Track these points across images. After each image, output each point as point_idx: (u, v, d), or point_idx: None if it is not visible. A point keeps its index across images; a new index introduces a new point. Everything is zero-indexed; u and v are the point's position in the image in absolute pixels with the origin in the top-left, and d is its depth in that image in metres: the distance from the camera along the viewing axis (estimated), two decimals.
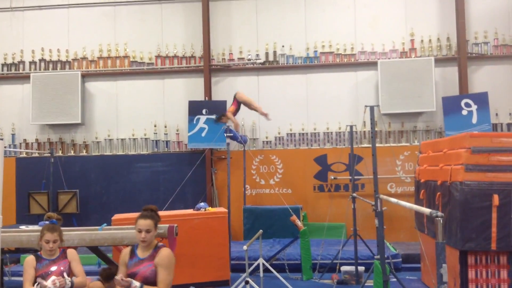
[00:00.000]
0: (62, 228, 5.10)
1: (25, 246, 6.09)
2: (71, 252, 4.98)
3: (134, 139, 11.28)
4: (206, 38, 11.04)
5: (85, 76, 11.45)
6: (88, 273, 5.30)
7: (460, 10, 10.53)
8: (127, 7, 11.54)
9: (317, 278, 7.83)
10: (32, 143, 11.49)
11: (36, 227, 6.59)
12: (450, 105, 10.30)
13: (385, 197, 5.87)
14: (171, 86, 11.36)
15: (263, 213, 10.00)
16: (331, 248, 8.53)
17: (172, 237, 5.65)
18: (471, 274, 5.50)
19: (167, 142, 11.23)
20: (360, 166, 9.81)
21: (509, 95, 10.53)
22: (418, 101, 10.42)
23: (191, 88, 11.29)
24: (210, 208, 7.89)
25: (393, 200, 5.58)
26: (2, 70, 11.66)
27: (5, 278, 7.75)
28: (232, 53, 11.22)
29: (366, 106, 6.52)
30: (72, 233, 5.80)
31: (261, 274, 6.76)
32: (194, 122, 10.77)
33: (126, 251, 4.44)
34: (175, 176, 10.72)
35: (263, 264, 6.93)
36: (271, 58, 11.17)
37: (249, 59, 11.17)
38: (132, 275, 4.23)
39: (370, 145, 6.34)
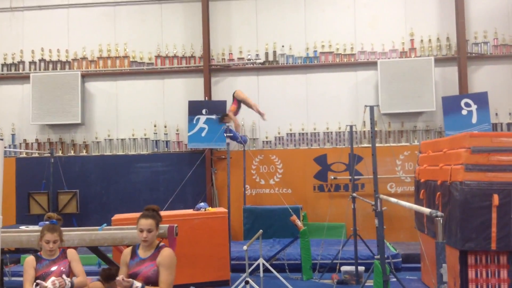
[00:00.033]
0: (62, 228, 5.09)
1: (25, 247, 6.08)
2: (71, 252, 4.98)
3: (134, 139, 11.28)
4: (206, 38, 11.04)
5: (85, 76, 11.45)
6: (88, 273, 5.30)
7: (460, 10, 10.53)
8: (127, 7, 11.54)
9: (317, 278, 7.83)
10: (32, 143, 11.49)
11: (36, 227, 6.59)
12: (450, 105, 10.30)
13: (385, 197, 5.87)
14: (171, 86, 11.36)
15: (263, 213, 10.00)
16: (331, 248, 8.54)
17: (172, 237, 5.65)
18: (471, 274, 5.50)
19: (167, 142, 11.23)
20: (360, 166, 9.81)
21: (509, 95, 10.54)
22: (418, 101, 10.42)
23: (191, 88, 11.29)
24: (210, 208, 7.89)
25: (393, 200, 5.58)
26: (2, 70, 11.66)
27: (5, 278, 7.75)
28: (232, 53, 11.22)
29: (366, 106, 6.52)
30: (72, 233, 5.79)
31: (261, 274, 6.77)
32: (194, 122, 10.77)
33: (127, 251, 4.44)
34: (175, 176, 10.73)
35: (263, 264, 6.93)
36: (271, 58, 11.17)
37: (249, 59, 11.17)
38: (134, 275, 4.23)
39: (370, 145, 6.34)
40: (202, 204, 7.84)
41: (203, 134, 10.73)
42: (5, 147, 10.86)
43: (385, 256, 5.83)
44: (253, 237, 6.93)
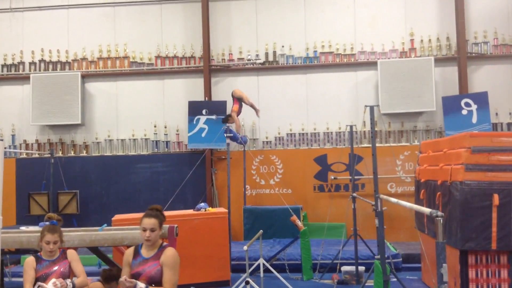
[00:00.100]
0: (62, 229, 5.09)
1: (25, 247, 6.08)
2: (71, 253, 4.97)
3: (134, 139, 11.28)
4: (206, 38, 11.04)
5: (85, 77, 11.45)
6: (88, 274, 5.29)
7: (460, 10, 10.53)
8: (126, 8, 11.53)
9: (318, 278, 7.83)
10: (32, 143, 11.49)
11: (36, 228, 6.59)
12: (450, 105, 10.30)
13: (385, 197, 5.87)
14: (171, 86, 11.36)
15: (263, 213, 10.00)
16: (331, 248, 8.54)
17: (173, 237, 5.64)
18: (471, 273, 5.50)
19: (167, 142, 11.23)
20: (360, 166, 9.80)
21: (509, 94, 10.53)
22: (418, 101, 10.42)
23: (191, 88, 11.29)
24: (210, 208, 7.90)
25: (393, 200, 5.58)
26: (2, 71, 11.66)
27: (6, 279, 7.75)
28: (232, 53, 11.22)
29: (366, 106, 6.53)
30: (72, 234, 5.79)
31: (262, 274, 6.77)
32: (194, 122, 10.77)
33: (129, 251, 4.42)
34: (175, 177, 10.73)
35: (264, 264, 6.93)
36: (270, 58, 11.17)
37: (249, 59, 11.17)
38: (137, 275, 4.21)
39: (370, 145, 6.35)
40: (202, 204, 7.85)
41: (203, 135, 10.73)
42: (5, 148, 10.85)
43: (386, 256, 5.83)
44: (253, 237, 6.93)
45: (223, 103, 10.69)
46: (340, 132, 10.81)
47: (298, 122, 10.97)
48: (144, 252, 4.32)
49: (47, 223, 5.00)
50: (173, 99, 11.29)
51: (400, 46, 10.89)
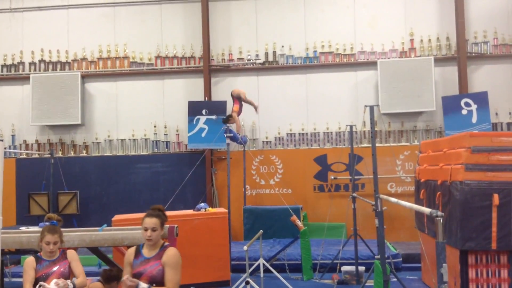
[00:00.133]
0: (62, 229, 5.09)
1: (25, 247, 6.08)
2: (70, 253, 4.97)
3: (134, 139, 11.28)
4: (206, 38, 11.04)
5: (85, 77, 11.45)
6: (88, 274, 5.30)
7: (460, 9, 10.53)
8: (126, 8, 11.53)
9: (318, 278, 7.83)
10: (32, 144, 11.49)
11: (36, 228, 6.59)
12: (450, 105, 10.30)
13: (385, 197, 5.88)
14: (171, 86, 11.36)
15: (263, 213, 10.01)
16: (331, 248, 8.54)
17: (173, 237, 5.64)
18: (471, 273, 5.50)
19: (167, 142, 11.23)
20: (360, 166, 9.80)
21: (509, 94, 10.53)
22: (418, 101, 10.42)
23: (190, 88, 11.29)
24: (210, 208, 7.89)
25: (393, 200, 5.58)
26: (2, 71, 11.66)
27: (6, 279, 7.74)
28: (231, 54, 11.22)
29: (366, 106, 6.53)
30: (72, 234, 5.79)
31: (262, 274, 6.77)
32: (194, 122, 10.77)
33: (131, 251, 4.42)
34: (175, 177, 10.73)
35: (264, 264, 6.93)
36: (270, 58, 11.17)
37: (248, 59, 11.17)
38: (138, 275, 4.21)
39: (370, 145, 6.35)
40: (202, 204, 7.85)
41: (203, 135, 10.73)
42: (5, 148, 10.85)
43: (386, 256, 5.83)
44: (253, 237, 6.93)
45: (223, 103, 10.69)
46: (340, 132, 10.81)
47: (298, 122, 10.97)
48: (146, 252, 4.32)
49: (47, 223, 5.00)
50: (173, 99, 11.29)
51: (400, 46, 10.89)
